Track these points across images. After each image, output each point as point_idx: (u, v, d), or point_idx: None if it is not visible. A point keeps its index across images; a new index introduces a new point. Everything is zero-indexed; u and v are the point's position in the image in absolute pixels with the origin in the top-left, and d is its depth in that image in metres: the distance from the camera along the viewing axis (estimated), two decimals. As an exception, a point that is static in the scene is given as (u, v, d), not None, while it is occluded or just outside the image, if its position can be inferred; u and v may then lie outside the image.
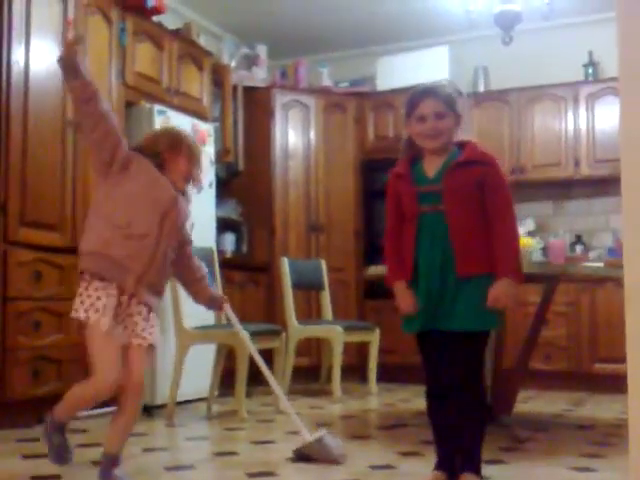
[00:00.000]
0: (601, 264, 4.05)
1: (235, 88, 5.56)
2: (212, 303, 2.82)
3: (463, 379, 2.29)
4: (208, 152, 4.69)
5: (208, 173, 4.63)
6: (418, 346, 2.39)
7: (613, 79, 5.13)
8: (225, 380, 4.23)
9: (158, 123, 4.30)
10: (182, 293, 3.18)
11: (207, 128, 4.84)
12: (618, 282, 3.73)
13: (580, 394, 4.93)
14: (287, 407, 3.10)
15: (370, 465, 2.76)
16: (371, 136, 5.99)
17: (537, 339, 3.92)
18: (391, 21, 5.83)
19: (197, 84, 4.95)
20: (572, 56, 5.70)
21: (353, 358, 5.25)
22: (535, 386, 4.96)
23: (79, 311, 2.33)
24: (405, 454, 2.96)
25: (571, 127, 5.54)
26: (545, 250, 5.27)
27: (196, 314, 3.74)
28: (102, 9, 4.12)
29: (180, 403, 4.10)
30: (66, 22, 3.63)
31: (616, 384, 4.33)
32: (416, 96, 2.36)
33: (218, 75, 5.31)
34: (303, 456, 2.84)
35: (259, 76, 5.85)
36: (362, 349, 5.13)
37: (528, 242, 5.25)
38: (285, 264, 4.90)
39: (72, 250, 3.78)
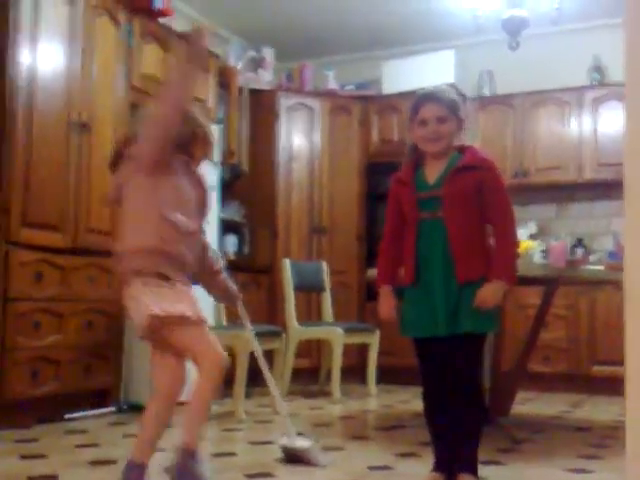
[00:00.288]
0: (601, 267, 4.07)
1: (241, 90, 5.59)
2: (227, 296, 2.75)
3: (460, 381, 2.31)
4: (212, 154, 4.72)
5: (212, 175, 4.66)
6: (416, 349, 2.41)
7: (618, 84, 5.14)
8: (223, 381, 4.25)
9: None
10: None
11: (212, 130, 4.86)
12: (618, 285, 3.74)
13: (578, 396, 4.94)
14: (281, 409, 3.09)
15: (368, 466, 2.78)
16: (376, 139, 6.00)
17: (536, 341, 3.93)
18: (397, 24, 5.85)
19: (203, 86, 4.98)
20: (578, 61, 5.71)
21: (353, 360, 5.26)
22: (534, 388, 4.97)
23: (154, 307, 2.19)
24: (403, 455, 2.98)
25: (575, 131, 5.55)
26: (546, 253, 5.29)
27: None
28: (109, 11, 4.14)
29: (178, 403, 4.11)
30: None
31: (614, 386, 4.36)
32: (418, 100, 2.38)
33: (224, 77, 5.34)
34: (289, 455, 2.86)
35: (265, 79, 5.88)
36: (362, 351, 5.14)
37: (529, 245, 5.28)
38: (287, 266, 4.93)
39: (74, 251, 3.84)
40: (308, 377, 5.28)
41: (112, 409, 4.01)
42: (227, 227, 5.41)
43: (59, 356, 3.69)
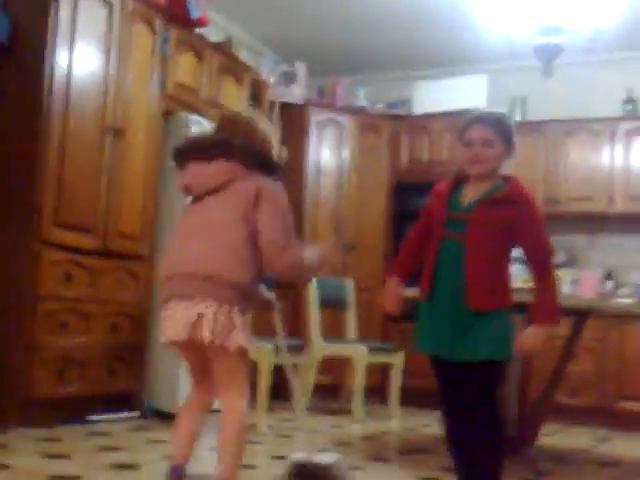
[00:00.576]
0: (631, 300, 4.00)
1: (272, 103, 5.59)
2: (262, 304, 2.65)
3: (472, 412, 2.26)
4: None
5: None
6: (431, 366, 2.39)
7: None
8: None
9: (194, 133, 4.33)
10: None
11: (242, 141, 4.85)
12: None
13: (604, 431, 4.84)
14: (302, 422, 3.03)
15: (390, 488, 2.73)
16: (405, 159, 5.98)
17: (564, 373, 3.86)
18: (430, 46, 5.84)
19: (235, 97, 4.98)
20: (611, 92, 5.66)
21: (376, 379, 5.18)
22: (560, 420, 4.85)
23: (243, 338, 2.16)
24: (425, 480, 2.91)
25: (607, 162, 5.49)
26: (576, 283, 5.22)
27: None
28: (146, 18, 4.16)
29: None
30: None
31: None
32: (467, 121, 2.38)
33: (256, 90, 5.34)
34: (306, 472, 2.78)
35: (296, 93, 5.89)
36: (385, 370, 5.07)
37: (558, 274, 5.21)
38: (313, 281, 4.89)
39: (103, 253, 3.84)
40: (330, 394, 5.21)
41: (135, 414, 3.98)
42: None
43: (84, 357, 3.70)
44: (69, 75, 3.66)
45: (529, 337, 2.23)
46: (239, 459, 2.17)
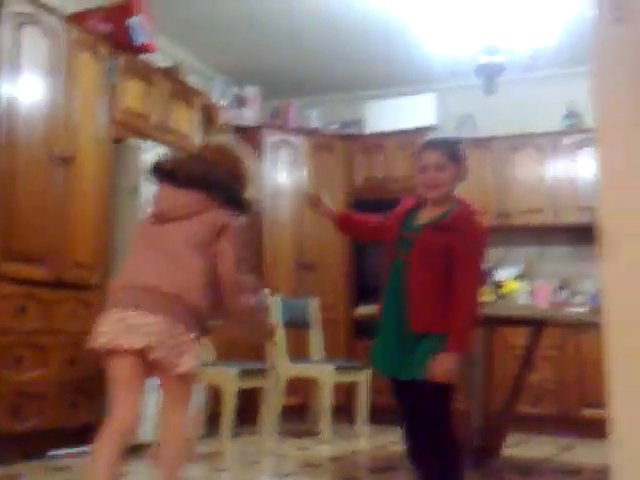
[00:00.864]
0: (584, 309, 4.09)
1: (225, 127, 5.58)
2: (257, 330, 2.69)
3: (421, 427, 2.30)
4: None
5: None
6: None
7: (593, 130, 5.21)
8: (209, 419, 4.14)
9: (145, 159, 4.29)
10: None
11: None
12: (600, 328, 3.75)
13: (568, 439, 4.89)
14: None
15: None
16: (360, 177, 6.03)
17: (524, 382, 3.90)
18: (380, 67, 5.92)
19: (186, 121, 4.96)
20: (553, 107, 5.82)
21: (343, 398, 5.15)
22: (523, 430, 4.89)
23: (193, 362, 2.19)
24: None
25: (552, 175, 5.63)
26: (531, 294, 5.32)
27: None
28: (92, 46, 4.12)
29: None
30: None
31: (604, 429, 4.30)
32: (421, 147, 2.47)
33: (208, 113, 5.33)
34: None
35: (249, 116, 5.89)
36: (351, 389, 5.05)
37: (514, 286, 5.30)
38: (276, 302, 4.86)
39: (56, 284, 3.77)
40: (297, 415, 5.16)
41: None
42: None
43: (42, 391, 3.60)
44: (14, 104, 3.59)
45: (438, 363, 2.24)
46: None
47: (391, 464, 3.82)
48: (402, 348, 2.28)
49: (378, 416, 5.07)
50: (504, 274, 5.40)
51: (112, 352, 2.16)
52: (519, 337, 4.70)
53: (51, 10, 3.86)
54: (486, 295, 4.27)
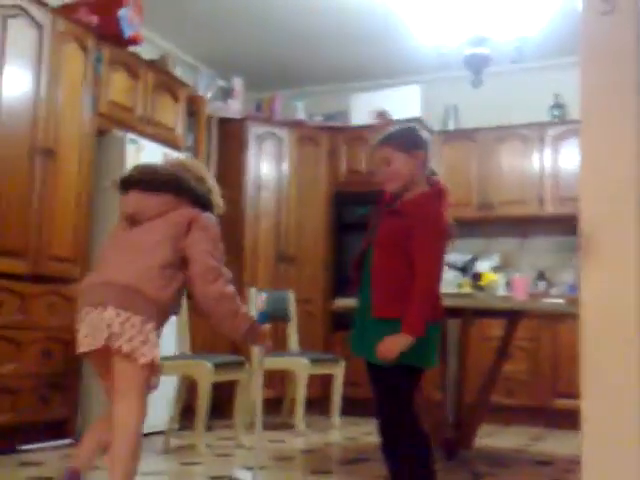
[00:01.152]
0: (562, 300, 4.13)
1: (210, 119, 5.61)
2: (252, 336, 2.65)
3: (382, 411, 2.32)
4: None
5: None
6: None
7: (578, 121, 5.23)
8: (184, 413, 4.16)
9: (129, 151, 4.32)
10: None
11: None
12: (577, 319, 3.79)
13: (540, 429, 4.97)
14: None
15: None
16: (343, 170, 6.06)
17: (499, 373, 3.96)
18: (365, 59, 5.94)
19: (171, 114, 4.98)
20: (539, 98, 5.84)
21: (317, 390, 5.22)
22: (496, 420, 4.98)
23: (154, 353, 2.21)
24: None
25: (536, 166, 5.66)
26: (509, 285, 5.36)
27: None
28: (78, 38, 4.13)
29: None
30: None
31: (576, 419, 4.36)
32: (374, 145, 2.48)
33: (193, 105, 5.35)
34: None
35: (234, 108, 5.91)
36: (326, 381, 5.11)
37: (492, 277, 5.34)
38: (253, 294, 4.91)
39: (34, 277, 3.78)
40: (272, 408, 5.22)
41: (69, 441, 3.91)
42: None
43: (15, 385, 3.61)
44: (-3, 97, 3.59)
45: (386, 343, 2.24)
46: (132, 475, 2.16)
47: (363, 456, 3.87)
48: (368, 331, 2.32)
49: (353, 408, 5.14)
50: (483, 266, 5.44)
51: (89, 356, 2.26)
52: (495, 328, 4.77)
53: (38, 1, 3.86)
54: (465, 287, 4.33)
